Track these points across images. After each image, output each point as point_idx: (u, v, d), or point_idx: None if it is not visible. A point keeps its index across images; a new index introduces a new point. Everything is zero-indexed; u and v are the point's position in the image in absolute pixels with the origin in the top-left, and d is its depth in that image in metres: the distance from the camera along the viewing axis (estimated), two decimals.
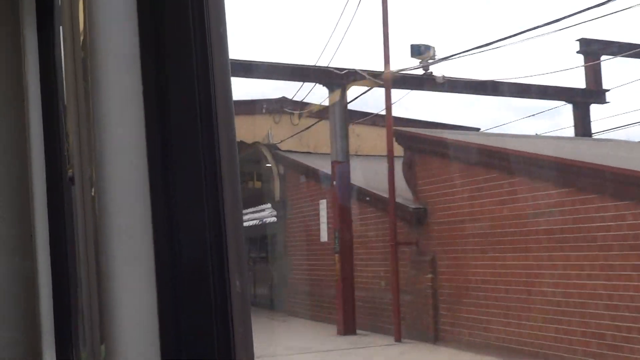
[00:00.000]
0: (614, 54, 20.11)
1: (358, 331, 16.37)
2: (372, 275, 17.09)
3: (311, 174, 20.18)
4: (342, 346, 15.13)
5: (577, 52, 20.94)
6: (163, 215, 0.99)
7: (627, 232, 10.34)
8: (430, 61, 17.80)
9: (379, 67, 16.79)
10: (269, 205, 24.81)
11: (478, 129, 25.09)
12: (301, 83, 18.85)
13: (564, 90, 21.14)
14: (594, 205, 10.91)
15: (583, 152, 14.89)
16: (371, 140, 21.72)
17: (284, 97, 21.90)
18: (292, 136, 21.80)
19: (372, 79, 17.13)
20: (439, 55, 17.86)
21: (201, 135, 1.01)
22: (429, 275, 14.67)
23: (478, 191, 13.48)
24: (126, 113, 0.99)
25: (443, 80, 17.93)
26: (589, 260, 10.94)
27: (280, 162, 22.01)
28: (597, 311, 10.74)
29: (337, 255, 16.79)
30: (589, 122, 21.28)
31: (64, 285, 2.31)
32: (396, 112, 17.62)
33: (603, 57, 20.95)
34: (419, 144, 15.93)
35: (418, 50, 17.69)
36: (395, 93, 17.20)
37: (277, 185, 22.21)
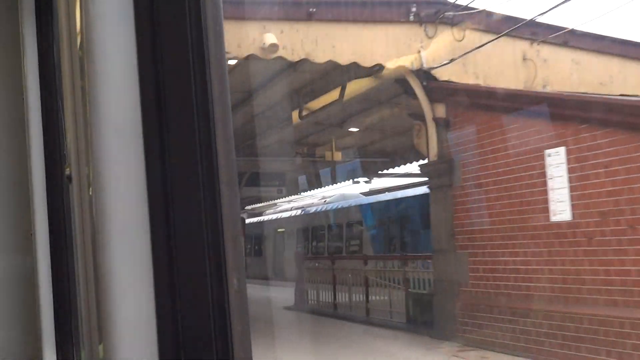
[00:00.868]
0: None
1: None
2: None
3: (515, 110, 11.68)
4: None
5: None
6: (161, 214, 0.98)
7: None
8: None
9: None
10: (412, 167, 17.82)
11: None
12: None
13: None
14: None
15: None
16: (564, 69, 14.26)
17: None
18: (453, 60, 13.43)
19: None
20: None
21: (198, 133, 1.01)
22: None
23: None
24: (123, 112, 0.99)
25: None
26: None
27: (439, 98, 13.77)
28: None
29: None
30: None
31: (64, 285, 2.31)
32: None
33: None
34: None
35: None
36: None
37: (432, 136, 13.92)
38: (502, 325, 11.43)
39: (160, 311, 0.97)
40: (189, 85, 1.01)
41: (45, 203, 2.35)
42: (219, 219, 1.01)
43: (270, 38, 12.20)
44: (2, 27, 2.46)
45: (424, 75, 13.75)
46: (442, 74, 13.68)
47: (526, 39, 13.75)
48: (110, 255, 0.98)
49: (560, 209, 10.38)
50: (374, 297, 17.33)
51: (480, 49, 13.35)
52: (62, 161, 2.25)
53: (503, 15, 13.70)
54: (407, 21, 13.56)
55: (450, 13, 13.58)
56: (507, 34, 13.01)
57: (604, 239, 9.74)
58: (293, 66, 14.21)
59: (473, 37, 13.49)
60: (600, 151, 9.85)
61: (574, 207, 10.19)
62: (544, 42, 13.93)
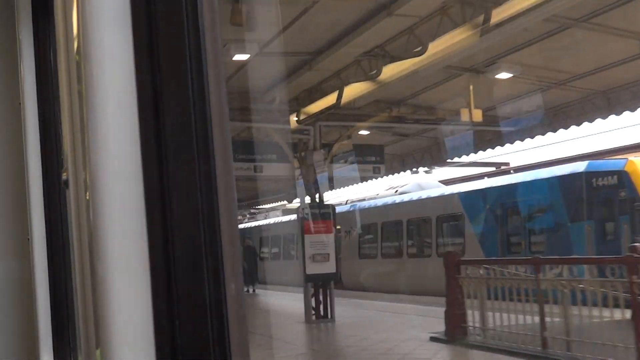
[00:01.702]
0: None
1: None
2: None
3: None
4: None
5: None
6: (158, 219, 0.98)
7: None
8: None
9: None
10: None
11: None
12: None
13: None
14: None
15: None
16: None
17: None
18: None
19: None
20: None
21: (196, 138, 1.00)
22: None
23: None
24: (120, 117, 0.99)
25: None
26: None
27: None
28: None
29: None
30: None
31: (61, 290, 2.31)
32: None
33: None
34: None
35: None
36: None
37: None
38: None
39: (157, 317, 0.97)
40: (187, 91, 1.01)
41: (43, 208, 2.34)
42: (217, 224, 1.00)
43: None
44: None
45: None
46: None
47: None
48: (107, 260, 0.98)
49: None
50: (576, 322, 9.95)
51: None
52: (59, 166, 2.25)
53: None
54: None
55: None
56: None
57: None
58: None
59: None
60: None
61: None
62: None
